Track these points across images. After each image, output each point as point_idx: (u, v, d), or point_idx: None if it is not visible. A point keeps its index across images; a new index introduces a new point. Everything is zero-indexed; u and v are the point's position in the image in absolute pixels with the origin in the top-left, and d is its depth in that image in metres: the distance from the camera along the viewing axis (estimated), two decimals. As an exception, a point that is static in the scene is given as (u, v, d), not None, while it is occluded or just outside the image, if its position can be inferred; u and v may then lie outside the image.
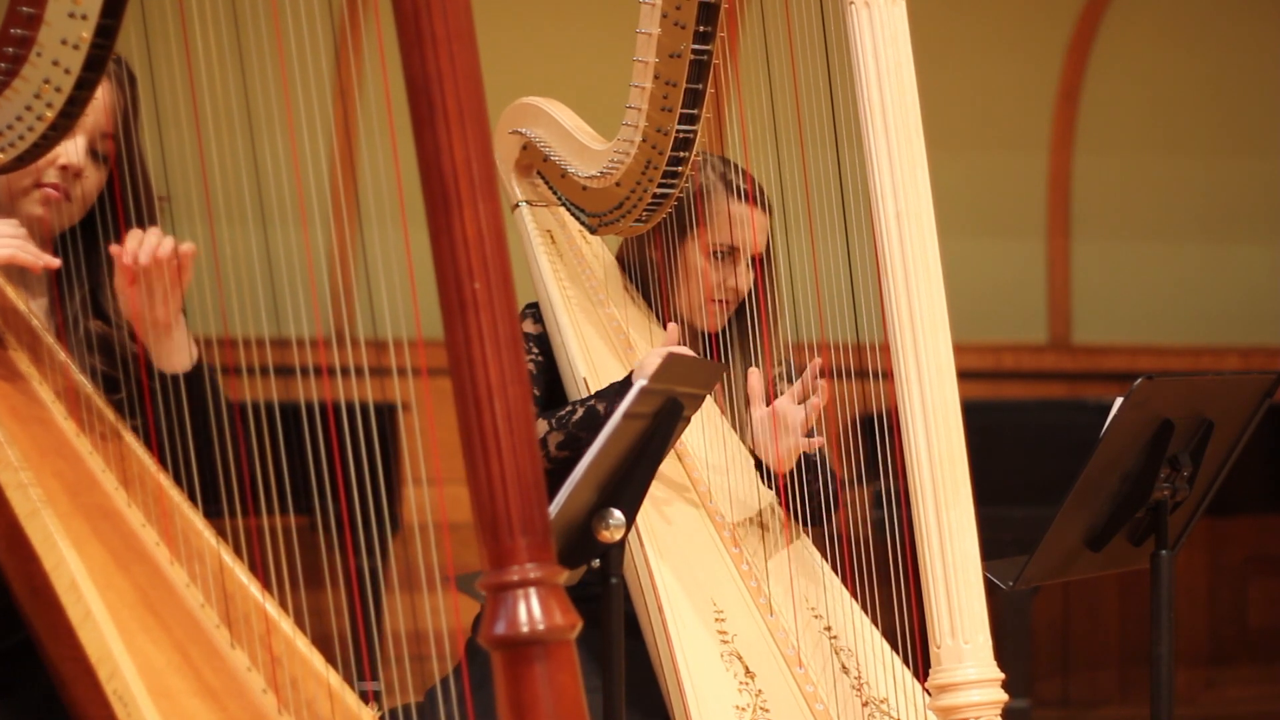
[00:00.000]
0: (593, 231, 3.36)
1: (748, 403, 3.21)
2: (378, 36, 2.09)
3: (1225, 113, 7.37)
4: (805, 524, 3.17)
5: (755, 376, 3.17)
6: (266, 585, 2.55)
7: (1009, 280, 7.27)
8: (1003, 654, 2.79)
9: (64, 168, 2.73)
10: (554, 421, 3.13)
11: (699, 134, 3.12)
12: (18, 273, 2.75)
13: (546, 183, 3.42)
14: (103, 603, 2.44)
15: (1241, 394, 2.92)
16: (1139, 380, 2.76)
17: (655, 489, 3.01)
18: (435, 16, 1.74)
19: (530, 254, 3.41)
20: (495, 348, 1.75)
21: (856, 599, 3.08)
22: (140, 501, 2.61)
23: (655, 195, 3.18)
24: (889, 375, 2.78)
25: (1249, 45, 7.34)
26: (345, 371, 2.48)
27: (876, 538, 2.95)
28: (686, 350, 3.16)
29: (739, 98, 3.09)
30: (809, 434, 3.12)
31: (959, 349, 2.78)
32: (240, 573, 2.57)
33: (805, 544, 3.17)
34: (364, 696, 2.51)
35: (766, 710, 2.91)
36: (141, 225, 2.76)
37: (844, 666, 3.02)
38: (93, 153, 2.76)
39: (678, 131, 3.10)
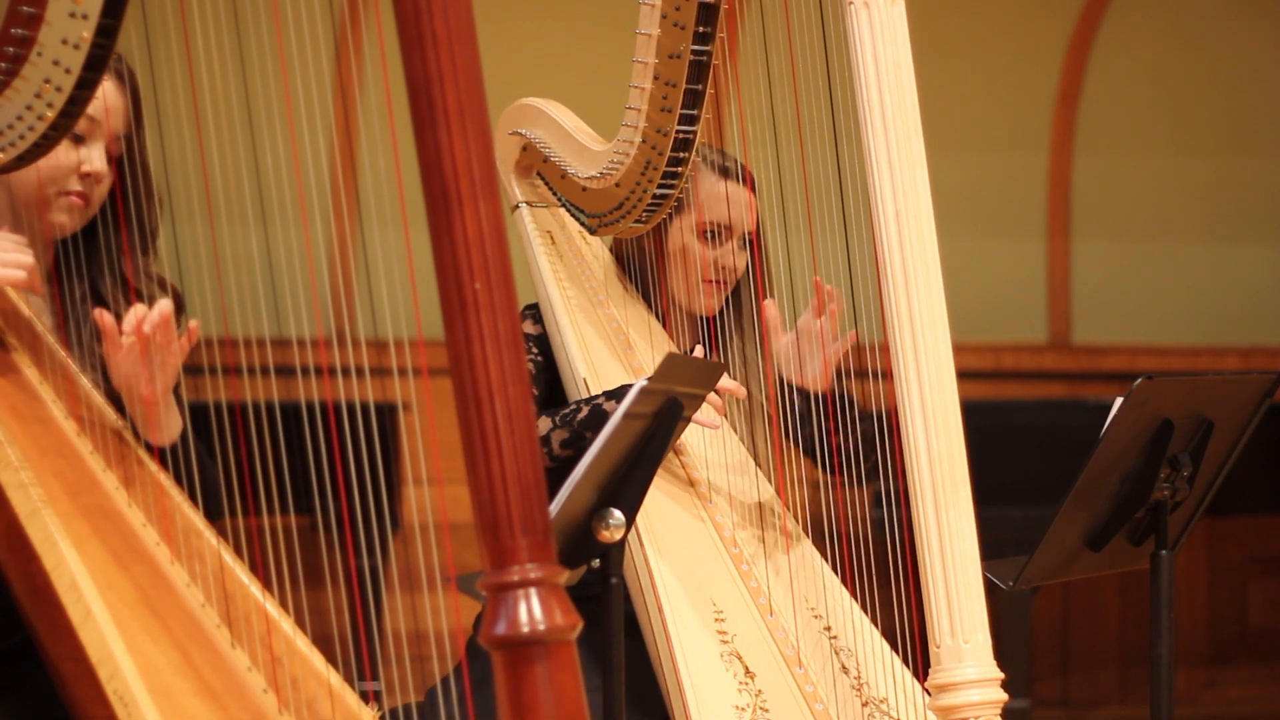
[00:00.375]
0: (592, 232, 3.36)
1: (763, 341, 3.22)
2: (378, 36, 2.10)
3: (1225, 112, 7.37)
4: (856, 476, 3.17)
5: (771, 308, 3.19)
6: (267, 585, 2.55)
7: (1009, 280, 7.27)
8: (1003, 654, 2.79)
9: (87, 175, 2.73)
10: (558, 419, 3.13)
11: (698, 134, 3.12)
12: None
13: (546, 184, 3.42)
14: (103, 602, 2.44)
15: (1241, 394, 2.93)
16: (1139, 380, 2.76)
17: (655, 489, 3.01)
18: (436, 17, 1.74)
19: (530, 255, 3.41)
20: (496, 348, 1.75)
21: (856, 599, 3.08)
22: (141, 501, 2.61)
23: (655, 196, 3.19)
24: (888, 375, 2.78)
25: (1249, 45, 7.34)
26: (346, 371, 2.49)
27: (876, 537, 2.95)
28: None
29: (738, 98, 3.09)
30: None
31: (959, 349, 2.78)
32: (241, 572, 2.57)
33: (805, 544, 3.18)
34: (364, 696, 2.51)
35: (766, 710, 2.91)
36: (143, 224, 2.76)
37: (843, 666, 3.02)
38: (106, 154, 2.76)
39: (677, 132, 3.11)
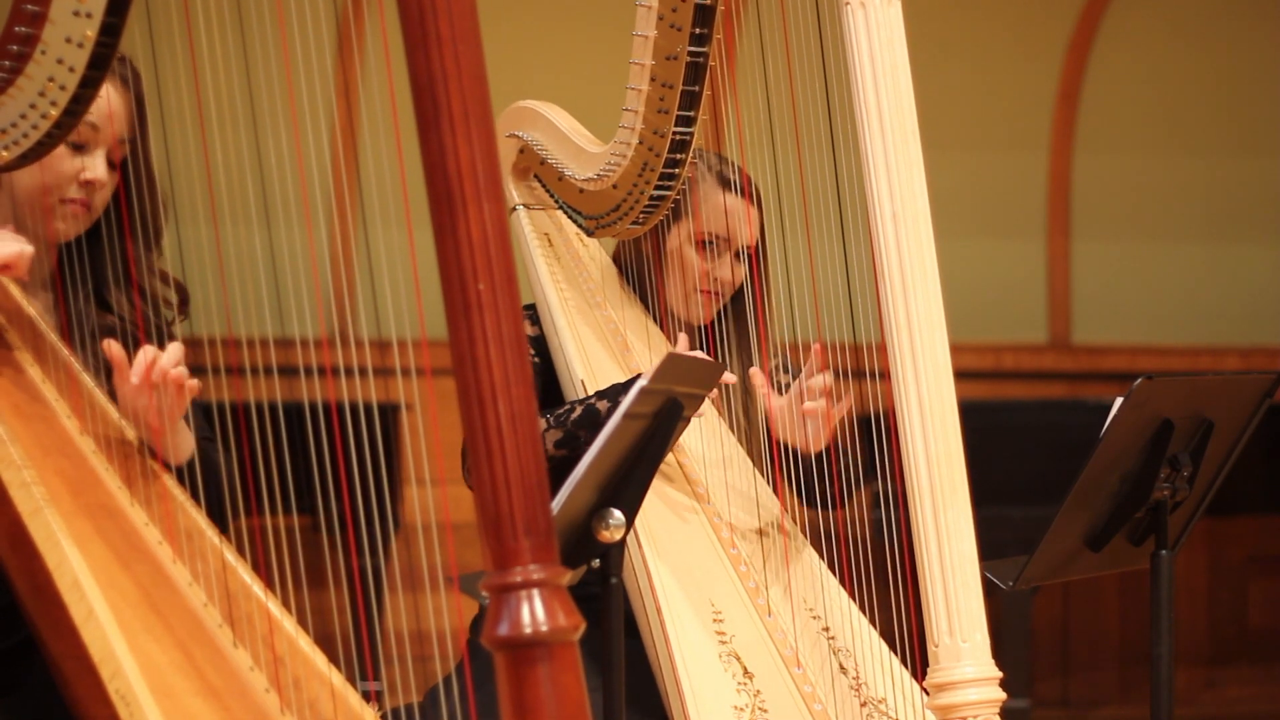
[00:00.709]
0: (590, 234, 3.37)
1: (747, 400, 3.22)
2: (382, 36, 2.10)
3: (1225, 112, 7.38)
4: (830, 505, 3.16)
5: (757, 375, 3.17)
6: (269, 585, 2.55)
7: (1009, 280, 7.27)
8: (1002, 654, 2.79)
9: (88, 183, 2.73)
10: (552, 419, 3.14)
11: (695, 136, 3.12)
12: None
13: (544, 186, 3.43)
14: (105, 602, 2.44)
15: (1241, 394, 2.93)
16: (1139, 380, 2.76)
17: (654, 489, 3.01)
18: (441, 17, 1.75)
19: (527, 257, 3.41)
20: (499, 348, 1.75)
21: (854, 599, 3.09)
22: (143, 500, 2.61)
23: (652, 197, 3.19)
24: (886, 375, 2.79)
25: (1249, 45, 7.35)
26: (348, 371, 2.49)
27: (874, 538, 2.96)
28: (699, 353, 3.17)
29: (735, 100, 3.09)
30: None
31: (959, 349, 2.78)
32: (243, 572, 2.57)
33: (803, 544, 3.18)
34: (366, 696, 2.51)
35: (765, 710, 2.92)
36: (146, 225, 2.77)
37: (842, 666, 3.03)
38: (109, 160, 2.76)
39: (674, 134, 3.11)
